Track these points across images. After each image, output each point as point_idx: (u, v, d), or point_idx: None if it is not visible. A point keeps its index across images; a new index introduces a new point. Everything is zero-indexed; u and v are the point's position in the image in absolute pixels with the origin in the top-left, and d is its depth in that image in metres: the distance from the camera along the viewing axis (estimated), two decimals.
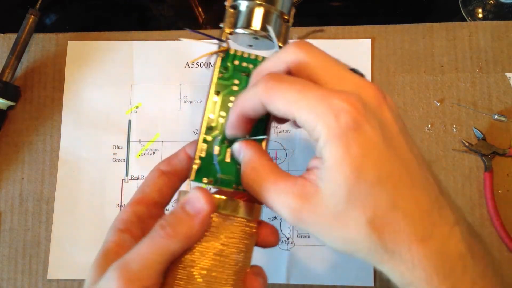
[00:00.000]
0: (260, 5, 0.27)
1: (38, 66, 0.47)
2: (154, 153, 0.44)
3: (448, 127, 0.43)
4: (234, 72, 0.28)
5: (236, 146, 0.27)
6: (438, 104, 0.44)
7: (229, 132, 0.27)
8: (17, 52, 0.45)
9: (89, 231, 0.43)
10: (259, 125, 0.27)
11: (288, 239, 0.42)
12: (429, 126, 0.43)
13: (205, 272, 0.24)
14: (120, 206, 0.44)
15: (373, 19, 0.46)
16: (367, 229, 0.23)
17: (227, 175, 0.27)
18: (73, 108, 0.46)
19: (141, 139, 0.45)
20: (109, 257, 0.25)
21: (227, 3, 0.29)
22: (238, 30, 0.28)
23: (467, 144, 0.42)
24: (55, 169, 0.45)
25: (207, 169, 0.27)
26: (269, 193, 0.25)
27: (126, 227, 0.26)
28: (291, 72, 0.25)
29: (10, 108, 0.46)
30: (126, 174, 0.44)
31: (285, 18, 0.29)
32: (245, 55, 0.28)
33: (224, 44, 0.28)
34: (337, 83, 0.25)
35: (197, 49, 0.46)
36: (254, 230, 0.27)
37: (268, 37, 0.27)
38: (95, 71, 0.46)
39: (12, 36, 0.47)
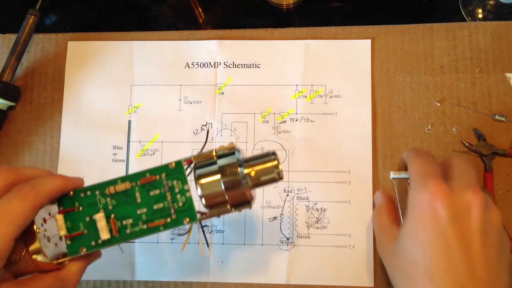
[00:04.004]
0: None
1: (38, 67, 0.47)
2: (154, 153, 0.44)
3: (448, 128, 0.43)
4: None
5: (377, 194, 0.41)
6: (438, 104, 0.44)
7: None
8: (17, 53, 0.45)
9: None
10: None
11: (288, 239, 0.42)
12: (429, 126, 0.43)
13: None
14: None
15: (373, 19, 0.46)
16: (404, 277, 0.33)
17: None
18: (73, 108, 0.46)
19: (141, 139, 0.45)
20: None
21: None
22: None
23: (467, 144, 0.42)
24: (55, 169, 0.45)
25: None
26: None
27: None
28: None
29: (10, 108, 0.46)
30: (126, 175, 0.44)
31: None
32: None
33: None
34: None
35: (197, 49, 0.46)
36: None
37: None
38: (95, 71, 0.46)
39: (12, 37, 0.47)
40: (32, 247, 0.28)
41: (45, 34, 0.47)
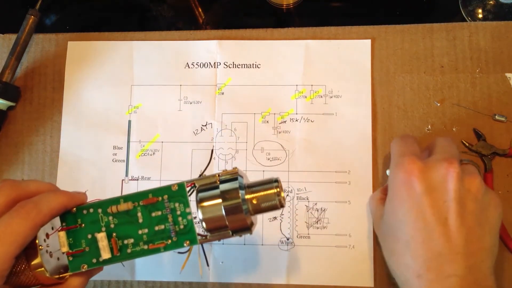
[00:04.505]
0: None
1: (38, 67, 0.47)
2: (154, 153, 0.44)
3: (448, 128, 0.43)
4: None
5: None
6: (438, 104, 0.44)
7: None
8: (17, 53, 0.45)
9: None
10: None
11: (288, 239, 0.42)
12: (429, 126, 0.43)
13: None
14: None
15: (373, 19, 0.46)
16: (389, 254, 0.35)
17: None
18: (73, 108, 0.46)
19: (141, 139, 0.45)
20: None
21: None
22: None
23: (467, 144, 0.42)
24: (55, 169, 0.45)
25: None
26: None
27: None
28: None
29: (10, 108, 0.46)
30: (126, 175, 0.44)
31: None
32: None
33: None
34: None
35: (197, 49, 0.46)
36: None
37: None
38: (95, 71, 0.46)
39: (12, 37, 0.47)
40: (33, 262, 0.29)
41: (45, 34, 0.47)
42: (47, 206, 0.28)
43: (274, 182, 0.30)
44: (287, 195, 0.43)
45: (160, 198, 0.30)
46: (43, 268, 0.29)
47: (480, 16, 0.47)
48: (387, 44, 0.45)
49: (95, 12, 0.51)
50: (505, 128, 0.42)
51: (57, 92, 0.46)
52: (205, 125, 0.45)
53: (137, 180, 0.44)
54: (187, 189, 0.30)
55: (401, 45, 0.45)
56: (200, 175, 0.32)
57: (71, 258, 0.30)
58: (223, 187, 0.30)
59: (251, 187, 0.30)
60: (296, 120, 0.44)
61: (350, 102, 0.44)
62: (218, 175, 0.31)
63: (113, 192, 0.44)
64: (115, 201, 0.31)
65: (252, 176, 0.43)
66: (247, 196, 0.30)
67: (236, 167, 0.31)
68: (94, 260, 0.30)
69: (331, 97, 0.44)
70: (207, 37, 0.46)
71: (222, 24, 0.49)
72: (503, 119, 0.42)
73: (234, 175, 0.30)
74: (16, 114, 0.46)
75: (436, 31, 0.45)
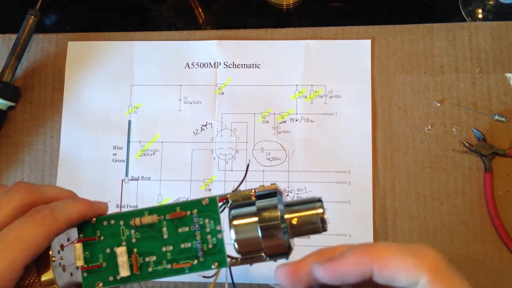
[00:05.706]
0: None
1: (38, 67, 0.47)
2: (154, 153, 0.44)
3: (448, 128, 0.43)
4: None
5: None
6: (438, 104, 0.44)
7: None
8: (17, 53, 0.45)
9: None
10: None
11: None
12: (429, 126, 0.43)
13: None
14: (120, 206, 0.44)
15: (373, 19, 0.46)
16: None
17: None
18: (73, 108, 0.46)
19: (141, 139, 0.45)
20: None
21: None
22: None
23: (467, 144, 0.42)
24: (55, 169, 0.45)
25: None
26: None
27: None
28: None
29: (10, 108, 0.46)
30: (126, 175, 0.44)
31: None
32: None
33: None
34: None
35: (197, 49, 0.46)
36: None
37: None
38: (95, 71, 0.46)
39: (12, 37, 0.47)
40: (44, 277, 0.26)
41: (45, 34, 0.47)
42: (64, 213, 0.26)
43: (317, 202, 0.27)
44: (287, 195, 0.43)
45: (188, 213, 0.27)
46: (54, 285, 0.26)
47: (480, 16, 0.47)
48: (387, 44, 0.45)
49: (95, 12, 0.51)
50: (505, 128, 0.42)
51: (57, 92, 0.46)
52: (205, 125, 0.45)
53: (137, 180, 0.44)
54: (219, 204, 0.27)
55: (401, 45, 0.45)
56: (233, 191, 0.29)
57: (85, 274, 0.27)
58: (260, 204, 0.26)
59: (291, 206, 0.27)
60: (296, 120, 0.44)
61: (350, 102, 0.44)
62: (255, 191, 0.27)
63: (113, 192, 0.44)
64: (138, 213, 0.28)
65: (253, 176, 0.43)
66: (287, 216, 0.26)
67: (274, 183, 0.28)
68: (111, 278, 0.27)
69: (331, 97, 0.44)
70: (207, 37, 0.46)
71: (222, 24, 0.49)
72: (503, 119, 0.42)
73: (272, 191, 0.27)
74: (16, 114, 0.46)
75: (436, 31, 0.45)
